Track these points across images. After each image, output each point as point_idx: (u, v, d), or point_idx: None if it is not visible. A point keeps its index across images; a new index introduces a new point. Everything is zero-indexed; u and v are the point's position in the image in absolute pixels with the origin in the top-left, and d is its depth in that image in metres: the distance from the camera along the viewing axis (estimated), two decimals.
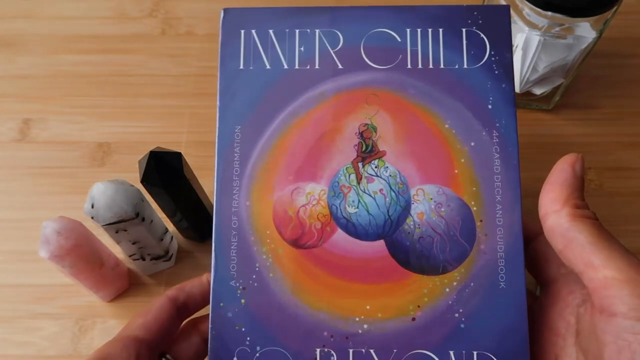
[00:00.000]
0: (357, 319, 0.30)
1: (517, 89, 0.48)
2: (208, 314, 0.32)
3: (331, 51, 0.32)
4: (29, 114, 0.50)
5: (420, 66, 0.32)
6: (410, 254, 0.30)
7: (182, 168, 0.37)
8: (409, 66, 0.32)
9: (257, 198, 0.31)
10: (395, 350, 0.29)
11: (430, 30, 0.32)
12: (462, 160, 0.31)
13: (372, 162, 0.31)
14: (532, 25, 0.43)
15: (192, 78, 0.51)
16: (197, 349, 0.31)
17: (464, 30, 0.32)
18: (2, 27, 0.54)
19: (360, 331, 0.29)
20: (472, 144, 0.31)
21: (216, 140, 0.31)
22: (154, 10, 0.55)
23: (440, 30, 0.32)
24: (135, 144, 0.48)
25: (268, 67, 0.32)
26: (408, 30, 0.32)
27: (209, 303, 0.32)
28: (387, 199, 0.31)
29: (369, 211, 0.31)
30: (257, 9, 0.33)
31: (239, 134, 0.31)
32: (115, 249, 0.41)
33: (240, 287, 0.30)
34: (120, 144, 0.48)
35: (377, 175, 0.31)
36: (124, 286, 0.42)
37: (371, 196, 0.31)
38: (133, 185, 0.37)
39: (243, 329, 0.30)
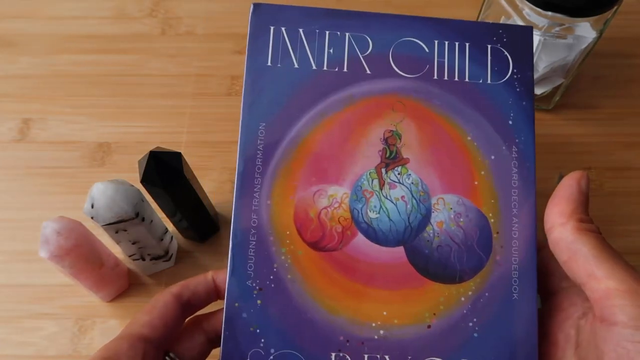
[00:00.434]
0: (374, 324, 0.30)
1: None
2: (212, 312, 0.32)
3: (360, 56, 0.32)
4: (29, 114, 0.50)
5: (446, 78, 0.32)
6: (429, 262, 0.30)
7: (182, 168, 0.37)
8: (435, 77, 0.32)
9: (279, 197, 0.31)
10: (409, 357, 0.29)
11: (457, 43, 0.32)
12: (482, 173, 0.31)
13: (395, 168, 0.31)
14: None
15: (192, 78, 0.51)
16: (201, 348, 0.31)
17: (489, 46, 0.32)
18: (2, 27, 0.54)
19: (376, 337, 0.29)
20: (492, 157, 0.31)
21: (239, 135, 0.31)
22: (154, 10, 0.55)
23: (467, 44, 0.32)
24: (135, 144, 0.48)
25: (296, 66, 0.32)
26: (436, 41, 0.32)
27: (213, 301, 0.32)
28: (409, 206, 0.31)
29: (390, 217, 0.31)
30: (288, 7, 0.33)
31: (263, 131, 0.31)
32: (115, 249, 0.41)
33: (257, 288, 0.30)
34: (120, 144, 0.48)
35: (400, 182, 0.31)
36: (123, 286, 0.42)
37: (393, 202, 0.31)
38: (133, 185, 0.37)
39: (258, 331, 0.29)
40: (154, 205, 0.40)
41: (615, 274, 0.26)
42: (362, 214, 0.31)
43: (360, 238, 0.30)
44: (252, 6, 0.33)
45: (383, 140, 0.31)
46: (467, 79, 0.32)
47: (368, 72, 0.32)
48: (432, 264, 0.30)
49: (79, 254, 0.36)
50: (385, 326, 0.30)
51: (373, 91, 0.32)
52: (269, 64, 0.32)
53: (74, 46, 0.53)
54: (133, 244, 0.39)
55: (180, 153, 0.37)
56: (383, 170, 0.31)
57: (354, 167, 0.31)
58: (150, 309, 0.30)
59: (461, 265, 0.30)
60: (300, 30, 0.32)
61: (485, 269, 0.30)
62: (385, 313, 0.30)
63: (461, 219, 0.31)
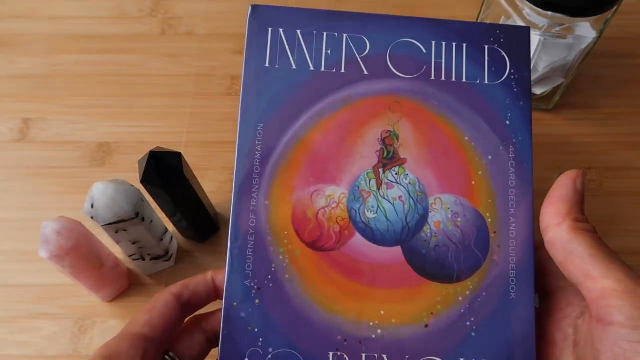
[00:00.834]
0: (372, 323, 0.30)
1: None
2: (211, 312, 0.32)
3: (358, 57, 0.32)
4: (29, 114, 0.50)
5: (443, 78, 0.32)
6: (426, 262, 0.30)
7: (182, 168, 0.37)
8: (433, 77, 0.32)
9: (277, 198, 0.31)
10: (407, 357, 0.29)
11: (454, 44, 0.33)
12: (480, 173, 0.31)
13: (393, 168, 0.31)
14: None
15: (192, 78, 0.51)
16: (201, 347, 0.31)
17: (486, 47, 0.33)
18: (2, 27, 0.54)
19: (373, 336, 0.30)
20: (490, 157, 0.31)
21: (237, 136, 0.31)
22: (154, 10, 0.55)
23: (464, 45, 0.33)
24: (135, 144, 0.48)
25: (294, 67, 0.32)
26: (433, 42, 0.33)
27: (213, 301, 0.32)
28: (406, 206, 0.31)
29: (388, 217, 0.31)
30: (286, 9, 0.33)
31: (261, 132, 0.31)
32: (115, 249, 0.41)
33: (255, 288, 0.30)
34: (120, 144, 0.48)
35: (397, 182, 0.31)
36: (123, 286, 0.42)
37: (390, 202, 0.31)
38: (133, 185, 0.37)
39: (256, 330, 0.30)
40: (154, 205, 0.41)
41: (611, 274, 0.26)
42: (359, 214, 0.31)
43: (358, 238, 0.31)
44: (250, 8, 0.33)
45: (380, 141, 0.32)
46: (464, 80, 0.32)
47: (365, 72, 0.32)
48: (430, 264, 0.30)
49: (79, 254, 0.36)
50: (383, 326, 0.30)
51: (370, 92, 0.32)
52: (267, 65, 0.32)
53: (73, 46, 0.53)
54: (133, 244, 0.39)
55: (180, 153, 0.37)
56: (380, 170, 0.31)
57: (352, 167, 0.31)
58: (150, 308, 0.30)
59: (459, 265, 0.30)
60: (298, 31, 0.32)
61: (483, 269, 0.30)
62: (383, 312, 0.30)
63: (459, 219, 0.31)
